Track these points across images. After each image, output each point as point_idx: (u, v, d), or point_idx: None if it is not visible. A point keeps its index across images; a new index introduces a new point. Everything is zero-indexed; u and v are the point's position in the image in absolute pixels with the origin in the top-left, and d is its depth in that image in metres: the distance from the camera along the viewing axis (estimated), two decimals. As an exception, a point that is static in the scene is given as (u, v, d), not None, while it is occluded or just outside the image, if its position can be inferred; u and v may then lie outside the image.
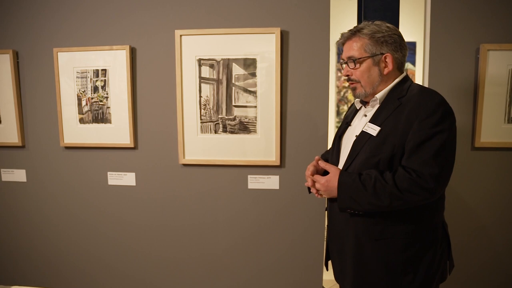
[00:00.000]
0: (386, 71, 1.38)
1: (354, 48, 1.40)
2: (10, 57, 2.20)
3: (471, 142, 1.98)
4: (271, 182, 2.12)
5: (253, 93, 2.06)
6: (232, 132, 2.11)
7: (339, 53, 3.51)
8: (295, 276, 2.18)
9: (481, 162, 1.99)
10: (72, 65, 2.18)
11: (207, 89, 2.09)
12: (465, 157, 1.98)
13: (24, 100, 2.27)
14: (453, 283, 2.06)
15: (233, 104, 2.09)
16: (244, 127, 2.09)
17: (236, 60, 2.05)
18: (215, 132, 2.12)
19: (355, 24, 1.49)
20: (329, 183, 1.39)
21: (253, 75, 2.05)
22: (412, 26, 3.10)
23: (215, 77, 2.08)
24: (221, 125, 2.11)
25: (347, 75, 1.45)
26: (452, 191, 2.00)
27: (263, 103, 2.06)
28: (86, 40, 2.17)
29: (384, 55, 1.37)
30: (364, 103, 1.50)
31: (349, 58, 1.41)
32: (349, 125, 1.54)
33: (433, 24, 1.93)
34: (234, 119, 2.10)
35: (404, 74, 1.44)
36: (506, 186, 2.00)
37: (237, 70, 2.05)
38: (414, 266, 1.36)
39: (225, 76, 2.07)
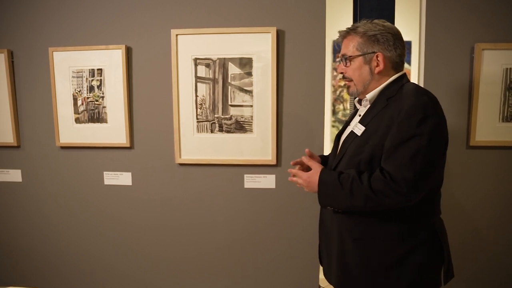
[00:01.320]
0: (377, 70, 1.36)
1: (347, 46, 1.40)
2: (5, 56, 2.19)
3: (466, 140, 1.99)
4: (268, 181, 2.13)
5: (249, 92, 2.06)
6: (228, 132, 2.11)
7: (335, 52, 3.51)
8: (291, 275, 2.19)
9: (476, 160, 2.00)
10: (68, 65, 2.17)
11: (203, 89, 2.09)
12: (460, 156, 2.00)
13: (19, 100, 2.26)
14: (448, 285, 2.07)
15: (229, 103, 2.09)
16: (240, 127, 2.09)
17: (232, 60, 2.05)
18: (211, 131, 2.12)
19: (351, 24, 1.49)
20: (311, 178, 1.39)
21: (249, 74, 2.05)
22: (408, 25, 3.10)
23: (211, 76, 2.08)
24: (217, 125, 2.11)
25: (341, 73, 1.46)
26: (447, 189, 2.00)
27: (259, 103, 2.06)
28: (81, 39, 2.16)
29: (375, 54, 1.35)
30: (360, 102, 1.50)
31: (343, 55, 1.42)
32: (349, 124, 1.56)
33: (429, 24, 1.94)
34: (230, 118, 2.10)
35: (400, 73, 1.40)
36: (501, 184, 2.01)
37: (233, 69, 2.05)
38: (397, 271, 1.32)
39: (221, 76, 2.07)
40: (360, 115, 1.46)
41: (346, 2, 3.23)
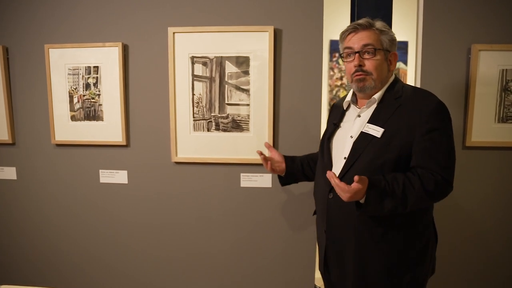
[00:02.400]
0: (391, 69, 1.43)
1: (370, 38, 1.38)
2: (0, 53, 2.17)
3: (462, 141, 2.00)
4: (264, 180, 2.12)
5: (246, 91, 2.06)
6: (225, 130, 2.10)
7: (332, 51, 3.51)
8: (287, 274, 2.19)
9: (472, 161, 2.01)
10: (64, 62, 2.16)
11: (200, 87, 2.09)
12: (456, 156, 2.00)
13: (15, 97, 2.24)
14: (449, 285, 2.08)
15: (226, 102, 2.08)
16: (237, 125, 2.09)
17: (229, 58, 2.05)
18: (208, 130, 2.11)
19: (348, 23, 1.48)
20: (356, 194, 1.26)
21: (246, 73, 2.05)
22: (405, 25, 3.11)
23: (208, 75, 2.07)
24: (214, 123, 2.11)
25: (360, 65, 1.39)
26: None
27: (256, 101, 2.06)
28: (78, 36, 2.15)
29: (391, 53, 1.41)
30: (355, 103, 1.49)
31: (367, 45, 1.37)
32: (338, 126, 1.52)
33: (425, 24, 1.95)
34: (227, 117, 2.09)
35: (394, 75, 1.47)
36: (497, 184, 2.02)
37: (230, 68, 2.05)
38: (414, 265, 1.38)
39: (218, 74, 2.07)
40: (360, 116, 1.45)
41: (343, 2, 3.24)
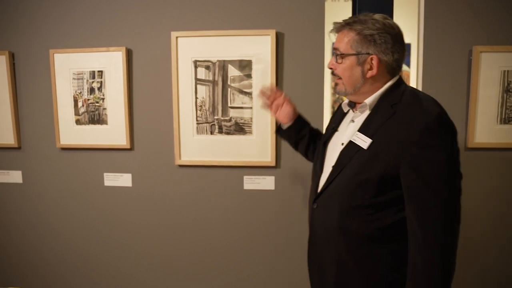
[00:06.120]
0: (369, 74, 1.21)
1: (341, 41, 1.24)
2: (6, 58, 2.20)
3: (465, 142, 2.00)
4: (267, 182, 2.13)
5: (249, 94, 2.07)
6: (228, 133, 2.12)
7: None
8: (290, 276, 2.19)
9: (474, 162, 2.01)
10: (68, 67, 2.18)
11: (203, 91, 2.11)
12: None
13: (20, 102, 2.27)
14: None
15: (229, 105, 2.10)
16: (240, 128, 2.11)
17: (231, 62, 2.06)
18: (211, 133, 2.13)
19: (349, 17, 1.35)
20: None
21: (249, 76, 2.06)
22: (407, 27, 3.12)
23: (211, 78, 2.09)
24: (217, 126, 2.12)
25: (331, 68, 1.30)
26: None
27: (259, 104, 2.07)
28: (82, 41, 2.17)
29: (370, 56, 1.20)
30: (352, 106, 1.35)
31: (335, 49, 1.26)
32: (336, 130, 1.40)
33: (427, 26, 1.95)
34: (230, 120, 2.11)
35: (397, 77, 1.26)
36: (499, 185, 2.02)
37: (232, 71, 2.07)
38: (399, 285, 1.22)
39: (220, 78, 2.08)
40: (353, 121, 1.31)
41: (345, 5, 3.25)
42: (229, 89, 2.09)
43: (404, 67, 3.58)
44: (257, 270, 2.22)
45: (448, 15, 1.94)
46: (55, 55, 2.17)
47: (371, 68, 1.21)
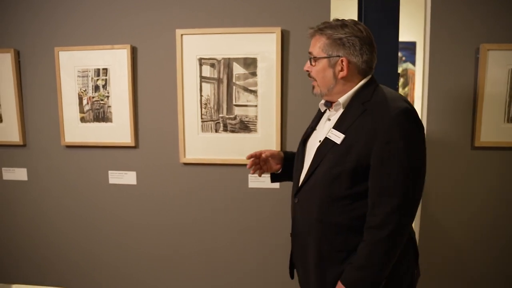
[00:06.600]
0: (341, 75, 1.31)
1: (314, 46, 1.34)
2: (11, 56, 2.20)
3: (471, 141, 1.98)
4: (272, 181, 2.13)
5: (254, 92, 2.07)
6: (232, 131, 2.11)
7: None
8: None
9: (481, 161, 1.99)
10: (73, 64, 2.18)
11: (207, 88, 2.10)
12: (464, 157, 1.99)
13: (25, 99, 2.27)
14: (450, 285, 2.07)
15: (234, 103, 2.09)
16: (245, 126, 2.10)
17: (236, 60, 2.06)
18: (216, 131, 2.13)
19: (324, 22, 1.42)
20: None
21: (254, 74, 2.06)
22: (413, 26, 3.10)
23: (215, 76, 2.09)
24: (221, 124, 2.12)
25: (307, 71, 1.39)
26: (451, 190, 2.00)
27: (264, 102, 2.07)
28: (87, 39, 2.17)
29: (340, 58, 1.29)
30: (328, 105, 1.42)
31: (310, 54, 1.36)
32: (314, 129, 1.48)
33: (433, 24, 1.94)
34: (235, 118, 2.10)
35: (369, 77, 1.35)
36: (506, 185, 2.00)
37: (237, 69, 2.06)
38: None
39: (225, 75, 2.08)
40: (329, 119, 1.39)
41: (350, 3, 3.23)
42: (234, 87, 2.08)
43: (409, 65, 3.56)
44: (262, 268, 2.22)
45: (455, 12, 1.92)
46: (60, 52, 2.17)
47: (342, 70, 1.31)
